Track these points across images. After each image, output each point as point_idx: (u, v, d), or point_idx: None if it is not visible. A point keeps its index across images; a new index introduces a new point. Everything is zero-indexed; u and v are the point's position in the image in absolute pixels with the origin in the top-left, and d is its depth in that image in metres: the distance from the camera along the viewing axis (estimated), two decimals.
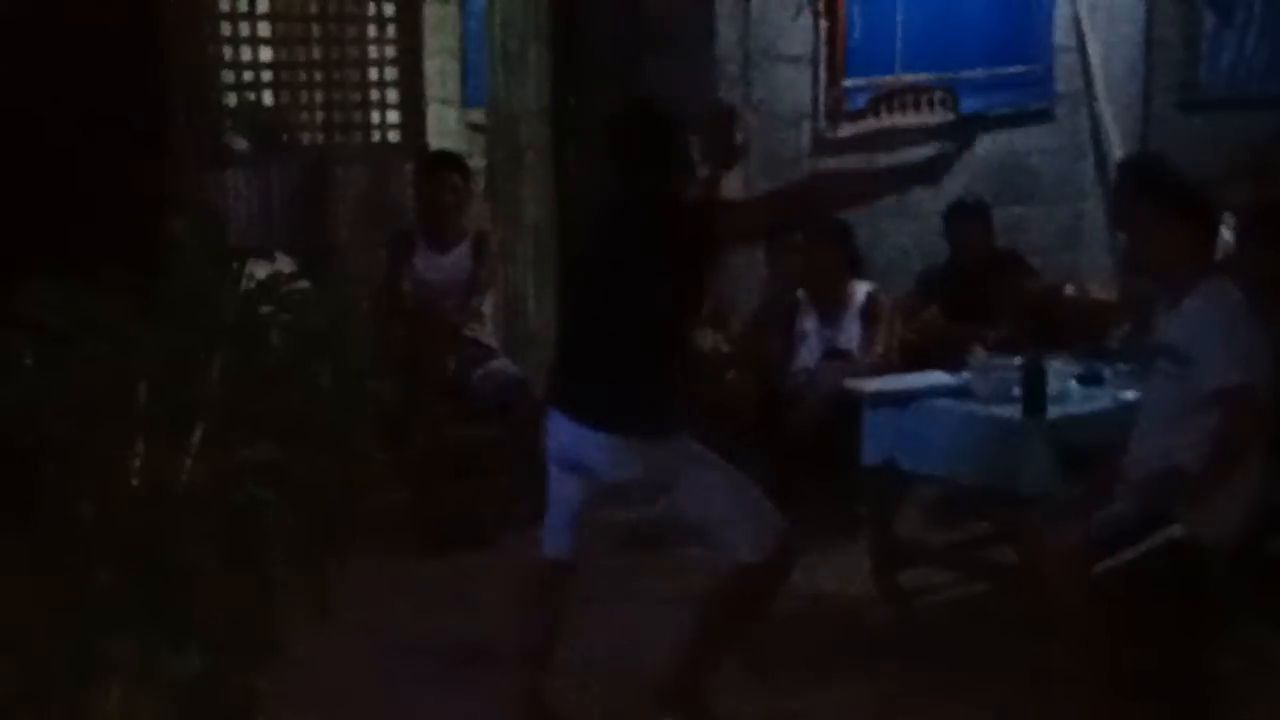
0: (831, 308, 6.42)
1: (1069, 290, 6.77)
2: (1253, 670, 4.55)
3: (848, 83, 7.33)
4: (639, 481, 4.26)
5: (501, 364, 6.41)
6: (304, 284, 3.23)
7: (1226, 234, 5.54)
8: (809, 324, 6.45)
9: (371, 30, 7.01)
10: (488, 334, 6.52)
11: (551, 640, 4.46)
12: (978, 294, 6.60)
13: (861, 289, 6.46)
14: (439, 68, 7.70)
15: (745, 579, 4.26)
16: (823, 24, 7.22)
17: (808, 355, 6.42)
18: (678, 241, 4.20)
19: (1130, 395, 5.03)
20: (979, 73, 7.70)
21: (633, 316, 4.21)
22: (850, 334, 6.39)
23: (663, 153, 4.33)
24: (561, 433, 4.28)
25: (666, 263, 4.18)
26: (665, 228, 4.23)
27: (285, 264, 5.16)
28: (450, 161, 6.60)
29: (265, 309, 3.15)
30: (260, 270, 3.37)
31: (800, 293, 6.50)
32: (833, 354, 6.39)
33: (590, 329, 4.32)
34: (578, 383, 4.30)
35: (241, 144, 6.67)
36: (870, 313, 6.40)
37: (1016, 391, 5.06)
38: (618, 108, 4.67)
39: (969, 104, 7.65)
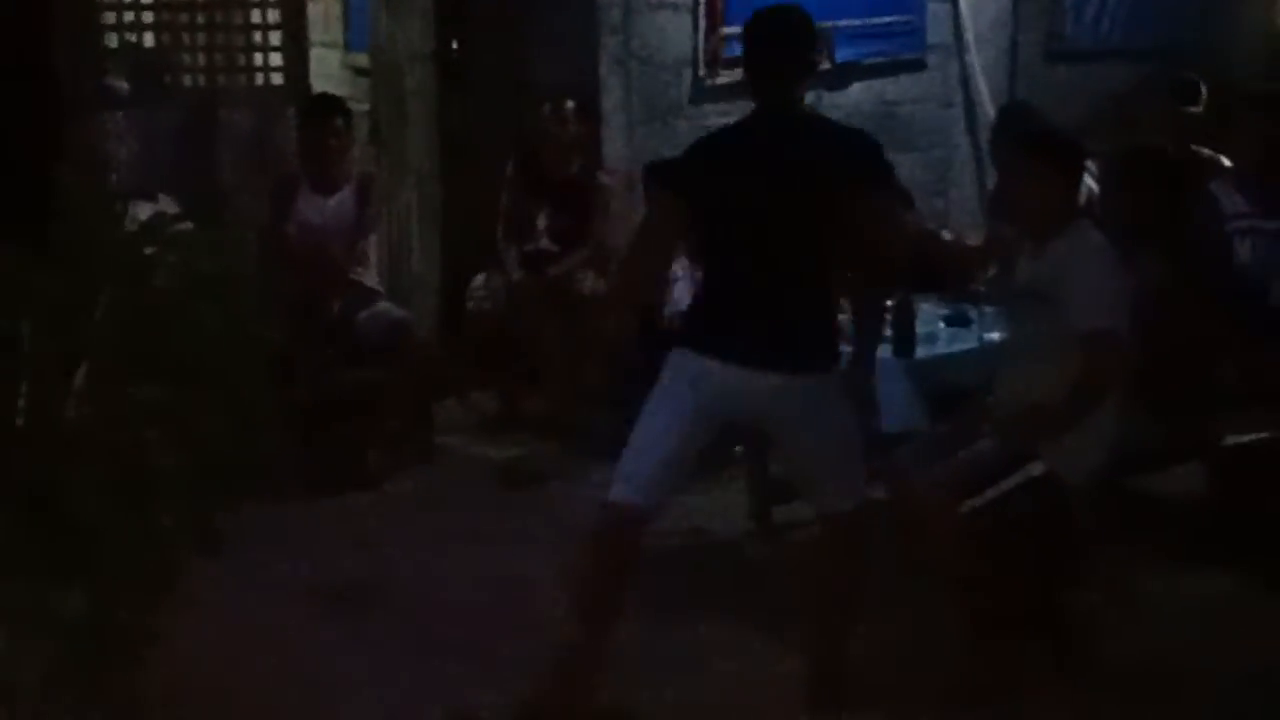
0: None
1: (946, 235, 6.93)
2: (1111, 602, 4.70)
3: (727, 30, 7.41)
4: (785, 419, 4.11)
5: (387, 307, 6.44)
6: (188, 225, 3.27)
7: (1090, 181, 5.71)
8: (679, 267, 6.55)
9: None
10: (373, 277, 6.55)
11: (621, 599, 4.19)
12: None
13: None
14: (322, 11, 7.65)
15: (834, 529, 4.22)
16: None
17: (679, 298, 6.51)
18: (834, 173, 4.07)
19: (996, 336, 5.19)
20: (854, 22, 7.79)
21: (811, 253, 4.03)
22: None
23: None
24: (718, 379, 4.03)
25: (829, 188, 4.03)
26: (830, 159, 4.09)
27: (169, 205, 5.16)
28: (333, 105, 6.57)
29: (149, 250, 3.17)
30: (144, 211, 3.40)
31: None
32: None
33: (770, 273, 4.05)
34: (751, 329, 4.03)
35: (123, 86, 6.61)
36: None
37: (887, 333, 5.21)
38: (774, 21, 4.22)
39: (844, 53, 7.77)
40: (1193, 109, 6.47)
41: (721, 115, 7.38)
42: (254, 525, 4.46)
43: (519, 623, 4.65)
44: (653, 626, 4.67)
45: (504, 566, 5.22)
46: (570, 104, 6.88)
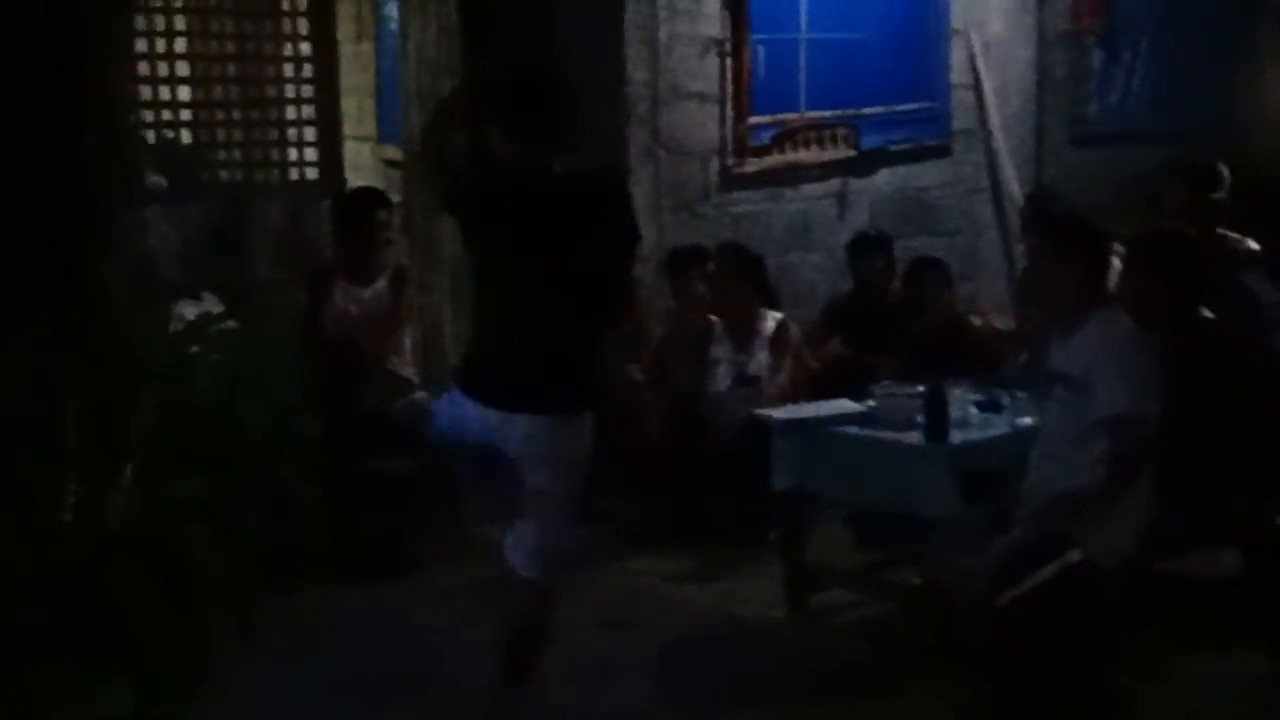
0: (744, 336, 6.60)
1: (975, 320, 6.96)
2: (1145, 684, 4.68)
3: (754, 119, 7.50)
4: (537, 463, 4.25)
5: (422, 397, 6.49)
6: (232, 324, 3.32)
7: (1118, 264, 5.72)
8: (721, 351, 6.62)
9: (288, 69, 7.07)
10: (408, 368, 6.61)
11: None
12: (881, 324, 6.79)
13: (772, 318, 6.65)
14: (355, 105, 7.77)
15: (519, 594, 4.31)
16: (729, 63, 7.39)
17: (719, 381, 6.58)
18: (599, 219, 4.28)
19: (1027, 421, 5.19)
20: (879, 110, 7.89)
21: (565, 295, 4.18)
22: (760, 361, 6.57)
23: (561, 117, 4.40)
24: (483, 422, 4.27)
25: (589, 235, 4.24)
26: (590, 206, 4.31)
27: (213, 304, 5.22)
28: (375, 198, 6.66)
29: (195, 349, 3.23)
30: (189, 310, 3.46)
31: (714, 320, 6.68)
32: (742, 380, 6.55)
33: (525, 312, 4.23)
34: (504, 370, 4.24)
35: (161, 182, 6.70)
36: (778, 341, 6.58)
37: (919, 418, 5.23)
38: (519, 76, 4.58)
39: (870, 140, 7.87)
40: (1217, 195, 6.44)
41: (750, 203, 7.49)
42: (291, 615, 4.50)
43: (556, 710, 4.64)
44: (689, 713, 4.67)
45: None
46: None
